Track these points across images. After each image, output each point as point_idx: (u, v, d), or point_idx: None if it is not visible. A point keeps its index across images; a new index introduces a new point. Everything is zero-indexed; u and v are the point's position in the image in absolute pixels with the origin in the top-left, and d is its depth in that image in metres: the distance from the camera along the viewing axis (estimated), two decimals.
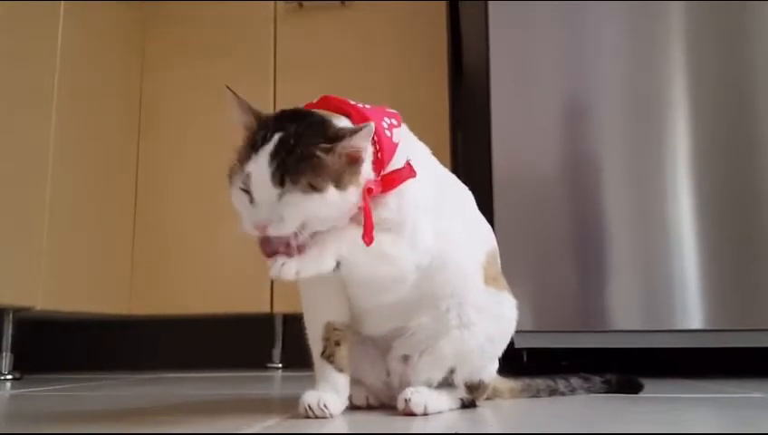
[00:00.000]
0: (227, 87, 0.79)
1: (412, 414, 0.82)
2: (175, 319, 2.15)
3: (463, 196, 0.95)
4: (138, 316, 2.04)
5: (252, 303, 1.98)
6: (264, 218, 0.73)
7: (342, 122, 0.79)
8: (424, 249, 0.83)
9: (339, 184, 0.74)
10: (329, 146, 0.73)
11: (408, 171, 0.80)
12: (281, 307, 1.98)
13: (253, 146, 0.74)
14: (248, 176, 0.73)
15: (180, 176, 2.08)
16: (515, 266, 1.50)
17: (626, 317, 1.49)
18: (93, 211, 1.88)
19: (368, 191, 0.77)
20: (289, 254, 0.75)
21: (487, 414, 0.88)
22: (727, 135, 1.51)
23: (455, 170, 0.96)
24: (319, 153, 0.73)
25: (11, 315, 1.68)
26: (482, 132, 1.74)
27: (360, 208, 0.77)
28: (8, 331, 1.67)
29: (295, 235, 0.74)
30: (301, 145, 0.73)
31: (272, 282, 1.99)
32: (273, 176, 0.72)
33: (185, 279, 2.01)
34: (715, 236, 1.48)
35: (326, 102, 0.83)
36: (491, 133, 1.59)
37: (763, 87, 1.52)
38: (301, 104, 0.84)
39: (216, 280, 1.99)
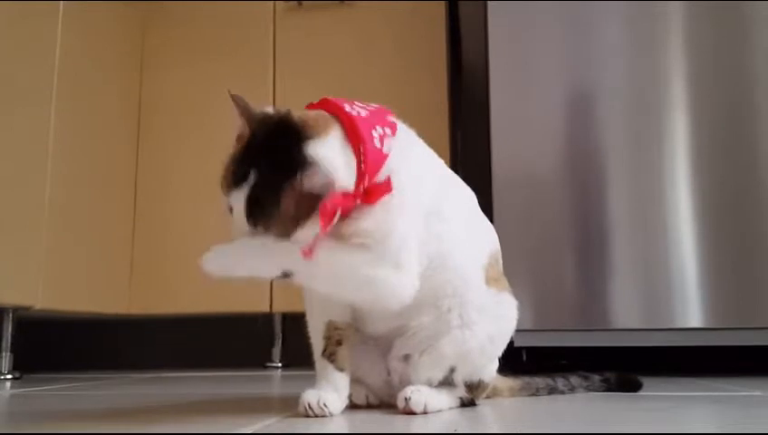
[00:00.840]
0: (228, 91, 0.80)
1: (412, 413, 0.82)
2: (174, 318, 2.15)
3: (465, 197, 0.94)
4: (137, 316, 2.04)
5: (251, 302, 1.98)
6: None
7: (319, 145, 0.76)
8: (412, 272, 0.81)
9: (305, 219, 0.74)
10: (287, 192, 0.73)
11: (386, 186, 0.78)
12: (280, 307, 1.98)
13: (234, 180, 0.76)
14: (230, 208, 0.77)
15: (180, 175, 2.08)
16: (515, 265, 1.50)
17: (625, 316, 1.49)
18: (93, 210, 1.88)
19: (339, 202, 0.75)
20: None
21: (487, 413, 0.88)
22: (727, 135, 1.51)
23: (454, 170, 0.96)
24: (282, 200, 0.74)
25: (11, 315, 1.68)
26: (481, 132, 1.74)
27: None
28: (8, 330, 1.67)
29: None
30: (267, 194, 0.74)
31: (271, 281, 1.99)
32: (248, 220, 0.75)
33: (184, 278, 2.01)
34: (715, 234, 1.48)
35: (325, 106, 0.83)
36: (490, 132, 1.59)
37: (764, 87, 1.52)
38: (300, 104, 0.84)
39: (215, 279, 1.99)
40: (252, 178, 0.75)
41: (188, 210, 2.05)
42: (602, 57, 1.59)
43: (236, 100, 0.80)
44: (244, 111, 0.79)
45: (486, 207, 0.98)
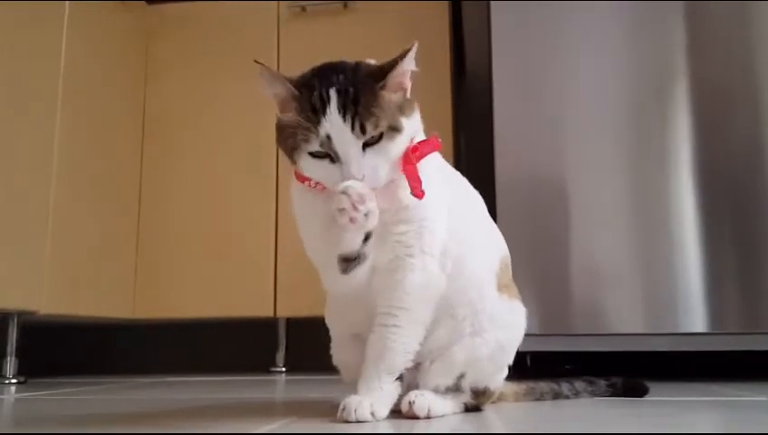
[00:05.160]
0: (256, 61, 0.80)
1: (415, 417, 0.82)
2: (178, 323, 2.15)
3: (477, 202, 0.95)
4: (141, 320, 2.04)
5: (255, 307, 1.98)
6: (356, 172, 0.73)
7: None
8: (441, 252, 0.83)
9: (404, 113, 0.77)
10: (383, 82, 0.76)
11: (434, 142, 0.83)
12: (284, 311, 1.98)
13: (314, 109, 0.74)
14: (328, 137, 0.74)
15: (184, 179, 2.08)
16: (519, 269, 1.49)
17: (630, 320, 1.48)
18: (97, 215, 1.89)
19: (412, 150, 0.78)
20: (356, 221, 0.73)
21: (491, 417, 0.88)
22: (733, 138, 1.51)
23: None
24: (380, 92, 0.75)
25: (15, 319, 1.68)
26: (485, 134, 1.73)
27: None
28: (13, 335, 1.67)
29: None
30: (361, 90, 0.74)
31: (275, 286, 1.99)
32: (353, 127, 0.73)
33: (188, 283, 2.01)
34: (719, 238, 1.48)
35: None
36: (494, 135, 1.59)
37: (767, 87, 1.51)
38: None
39: (220, 284, 1.99)
40: (333, 91, 0.74)
41: (192, 214, 2.05)
42: (605, 57, 1.58)
43: (267, 68, 0.80)
44: (280, 75, 0.79)
45: (490, 210, 0.98)
